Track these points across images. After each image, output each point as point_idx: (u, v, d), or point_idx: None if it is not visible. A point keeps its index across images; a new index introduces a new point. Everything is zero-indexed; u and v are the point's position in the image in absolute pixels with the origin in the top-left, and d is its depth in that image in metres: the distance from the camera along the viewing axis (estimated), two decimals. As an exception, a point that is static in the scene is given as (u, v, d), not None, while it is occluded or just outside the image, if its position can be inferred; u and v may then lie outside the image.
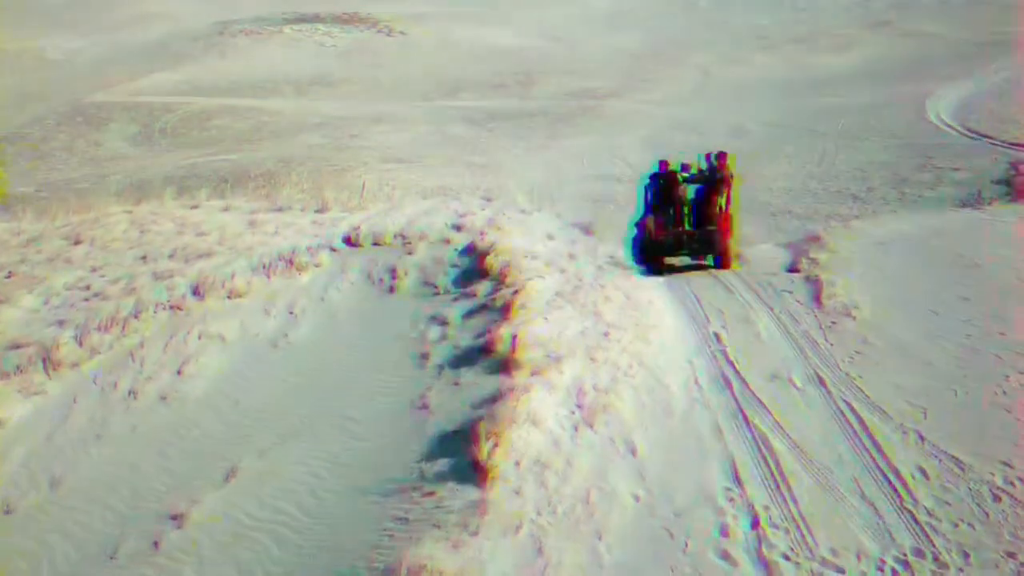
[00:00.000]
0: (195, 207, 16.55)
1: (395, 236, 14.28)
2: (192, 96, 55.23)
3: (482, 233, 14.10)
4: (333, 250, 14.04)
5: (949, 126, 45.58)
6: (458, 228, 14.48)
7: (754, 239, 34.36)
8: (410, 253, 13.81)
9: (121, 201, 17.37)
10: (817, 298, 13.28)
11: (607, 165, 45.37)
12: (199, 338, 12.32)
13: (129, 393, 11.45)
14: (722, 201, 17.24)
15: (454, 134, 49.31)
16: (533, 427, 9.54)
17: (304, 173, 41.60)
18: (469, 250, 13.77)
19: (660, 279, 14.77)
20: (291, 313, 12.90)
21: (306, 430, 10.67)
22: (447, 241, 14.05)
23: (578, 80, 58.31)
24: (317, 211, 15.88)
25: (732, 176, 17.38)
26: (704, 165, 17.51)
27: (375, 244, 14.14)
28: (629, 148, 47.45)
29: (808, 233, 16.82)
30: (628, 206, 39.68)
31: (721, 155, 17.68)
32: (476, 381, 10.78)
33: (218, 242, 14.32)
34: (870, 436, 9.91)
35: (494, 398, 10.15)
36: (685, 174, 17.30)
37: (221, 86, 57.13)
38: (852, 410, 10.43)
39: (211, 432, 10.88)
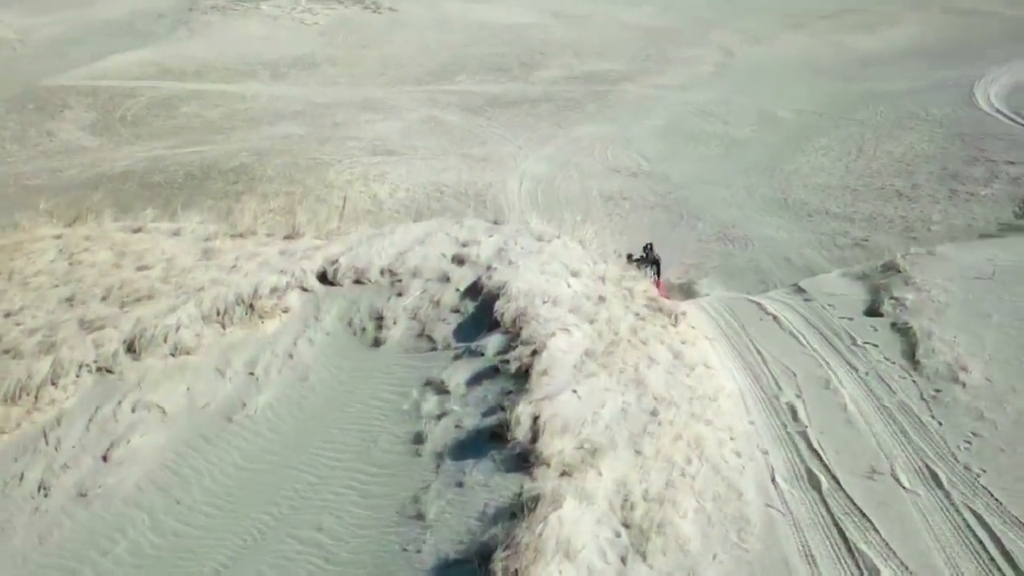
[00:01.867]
0: (138, 230, 14.47)
1: (382, 271, 12.24)
2: (158, 80, 53.08)
3: (490, 269, 12.08)
4: (305, 290, 12.00)
5: (1002, 114, 43.61)
6: (460, 261, 12.42)
7: (795, 248, 32.84)
8: (400, 294, 11.78)
9: (52, 220, 15.26)
10: (911, 355, 11.27)
11: (621, 158, 43.34)
12: (132, 410, 10.32)
13: (39, 488, 9.45)
14: (654, 273, 22.45)
15: (449, 122, 47.43)
16: (567, 561, 7.54)
17: (281, 168, 39.73)
18: (474, 291, 11.74)
19: (712, 329, 12.77)
20: (251, 375, 10.90)
21: (265, 545, 8.68)
22: (446, 279, 12.03)
23: (586, 61, 56.24)
24: (287, 237, 13.77)
25: (659, 257, 24.56)
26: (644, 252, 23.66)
27: (357, 282, 12.10)
28: (645, 139, 45.40)
29: (883, 261, 14.65)
30: (646, 208, 38.23)
31: (650, 244, 24.87)
32: (487, 481, 8.75)
33: (162, 279, 12.27)
34: (1012, 565, 7.96)
35: (512, 511, 8.15)
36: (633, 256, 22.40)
37: (190, 69, 54.90)
38: (982, 523, 8.46)
39: (141, 546, 8.88)
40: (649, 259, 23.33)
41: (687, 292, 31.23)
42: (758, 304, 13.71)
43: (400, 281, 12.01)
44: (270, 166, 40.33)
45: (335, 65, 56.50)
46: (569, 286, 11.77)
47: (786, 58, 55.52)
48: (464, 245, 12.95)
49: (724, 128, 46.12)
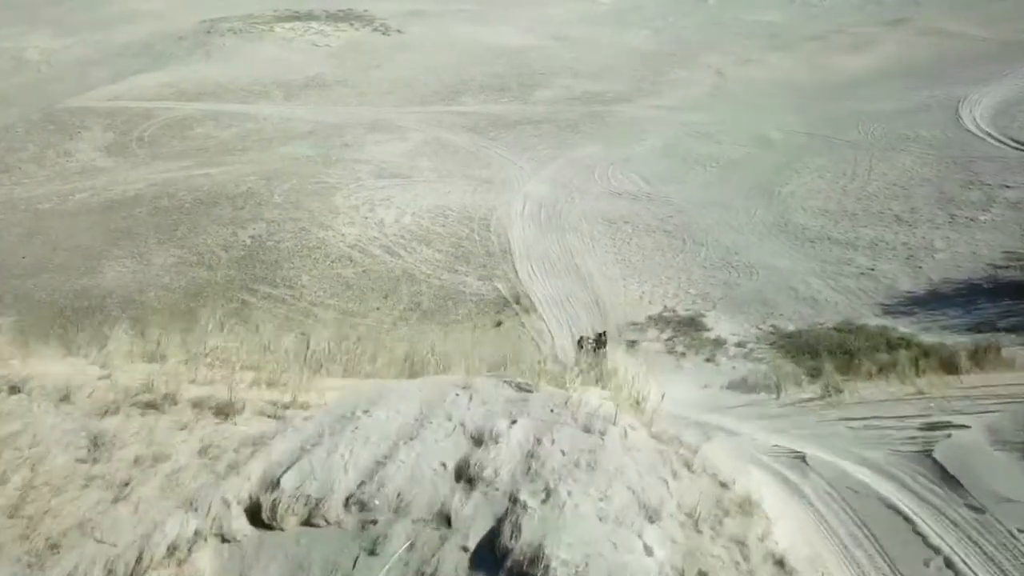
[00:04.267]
0: (16, 389, 8.57)
1: (347, 501, 6.49)
2: (175, 101, 47.54)
3: (516, 503, 6.34)
4: (225, 541, 6.24)
5: (991, 136, 38.32)
6: (469, 480, 6.71)
7: (800, 277, 27.61)
8: (373, 552, 6.04)
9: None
10: None
11: (621, 180, 38.22)
12: None
13: None
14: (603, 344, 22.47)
15: (454, 143, 42.24)
16: None
17: (288, 193, 34.30)
18: (491, 553, 6.02)
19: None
20: None
21: None
22: (446, 519, 6.28)
23: (584, 82, 50.98)
24: (218, 413, 7.92)
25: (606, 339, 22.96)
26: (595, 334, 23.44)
27: (308, 522, 6.35)
28: (644, 160, 40.29)
29: None
30: (648, 233, 32.69)
31: (603, 332, 23.67)
32: None
33: (9, 510, 6.50)
34: None
35: None
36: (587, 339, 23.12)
37: (206, 89, 49.33)
38: None
39: None
40: (601, 343, 22.77)
41: (694, 325, 26.55)
42: (908, 520, 7.85)
43: (374, 523, 6.20)
44: (277, 191, 35.55)
45: (345, 86, 51.41)
46: (650, 553, 5.97)
47: (775, 79, 50.54)
48: (476, 441, 7.21)
49: (720, 149, 41.14)
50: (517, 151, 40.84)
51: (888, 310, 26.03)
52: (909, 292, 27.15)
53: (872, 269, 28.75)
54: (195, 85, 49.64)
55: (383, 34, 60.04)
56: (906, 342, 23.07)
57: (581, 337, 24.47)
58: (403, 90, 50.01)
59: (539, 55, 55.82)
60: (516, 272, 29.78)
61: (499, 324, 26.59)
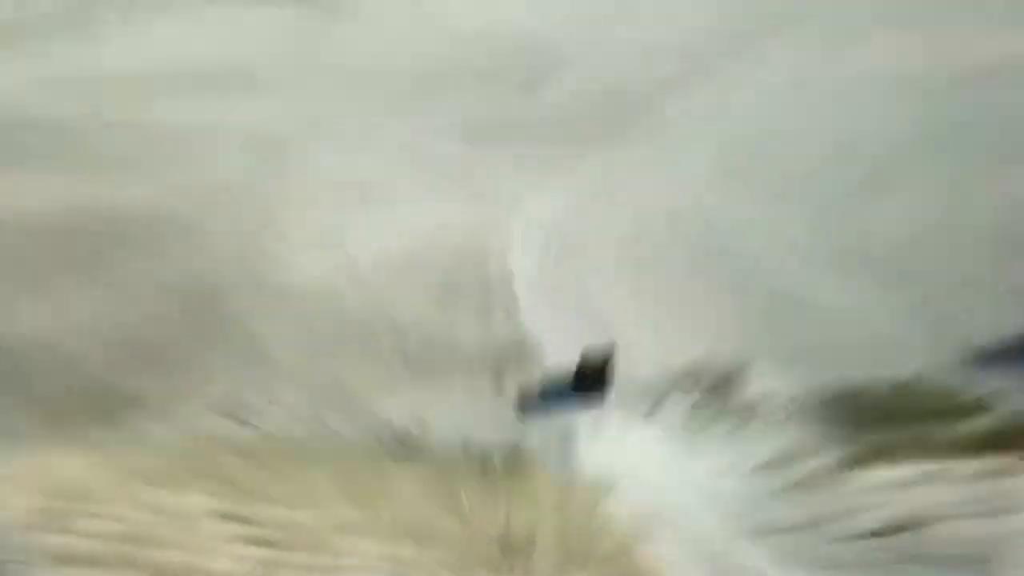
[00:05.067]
0: None
1: None
2: (49, 99, 54.59)
3: None
4: None
5: None
6: None
7: (879, 323, 33.50)
8: None
9: None
10: None
11: (648, 196, 45.20)
12: None
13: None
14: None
15: (435, 153, 49.12)
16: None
17: (221, 216, 41.04)
18: None
19: None
20: None
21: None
22: None
23: (605, 74, 58.25)
24: None
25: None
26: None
27: None
28: (679, 173, 47.75)
29: None
30: (680, 266, 37.60)
31: (610, 356, 30.96)
32: None
33: None
34: None
35: None
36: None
37: (91, 85, 56.54)
38: None
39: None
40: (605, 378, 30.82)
41: (728, 383, 30.83)
42: None
43: None
44: (210, 217, 41.59)
45: (282, 81, 59.05)
46: None
47: (873, 68, 57.39)
48: None
49: (786, 161, 47.93)
50: (516, 162, 47.59)
51: (968, 365, 30.28)
52: (998, 345, 31.36)
53: (970, 313, 33.05)
54: (75, 78, 57.12)
55: (331, 11, 67.74)
56: (985, 408, 27.61)
57: (582, 362, 30.16)
58: (362, 85, 57.85)
59: (545, 38, 63.86)
60: (519, 315, 34.71)
61: (500, 385, 31.08)
